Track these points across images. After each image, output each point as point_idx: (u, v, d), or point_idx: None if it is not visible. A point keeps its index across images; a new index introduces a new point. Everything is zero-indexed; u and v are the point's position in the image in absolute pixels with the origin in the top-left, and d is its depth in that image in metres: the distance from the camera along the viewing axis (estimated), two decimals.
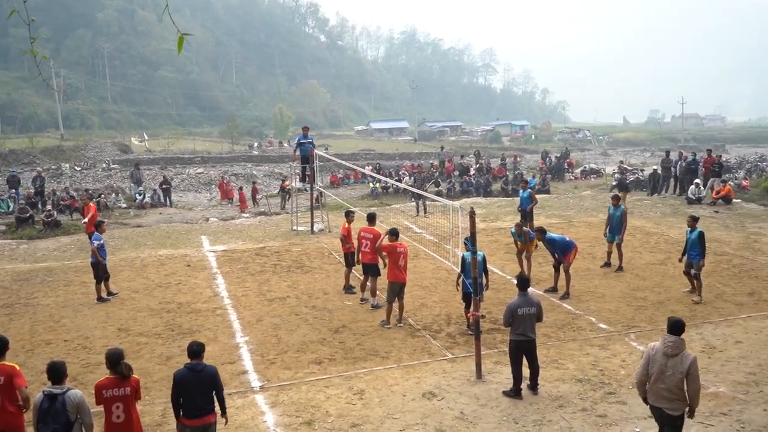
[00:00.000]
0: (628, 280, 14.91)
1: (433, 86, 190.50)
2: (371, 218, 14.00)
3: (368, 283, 13.60)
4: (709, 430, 8.08)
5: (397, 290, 12.15)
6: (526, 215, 19.12)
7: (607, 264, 16.20)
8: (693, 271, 13.29)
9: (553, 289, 14.02)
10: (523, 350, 9.10)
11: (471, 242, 10.01)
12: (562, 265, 13.76)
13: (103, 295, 14.45)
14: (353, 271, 14.61)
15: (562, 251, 13.61)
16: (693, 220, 13.59)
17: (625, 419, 8.37)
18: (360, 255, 13.61)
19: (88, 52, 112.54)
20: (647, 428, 8.07)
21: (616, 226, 15.83)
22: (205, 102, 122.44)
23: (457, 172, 39.58)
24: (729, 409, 8.56)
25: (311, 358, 10.64)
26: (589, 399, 8.95)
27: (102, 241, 14.52)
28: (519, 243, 15.46)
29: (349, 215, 14.94)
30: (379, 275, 13.35)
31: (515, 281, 9.54)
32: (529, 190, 19.51)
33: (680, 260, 13.91)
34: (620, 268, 15.77)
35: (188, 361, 7.05)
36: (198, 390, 6.91)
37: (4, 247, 21.49)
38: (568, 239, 14.02)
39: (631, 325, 11.92)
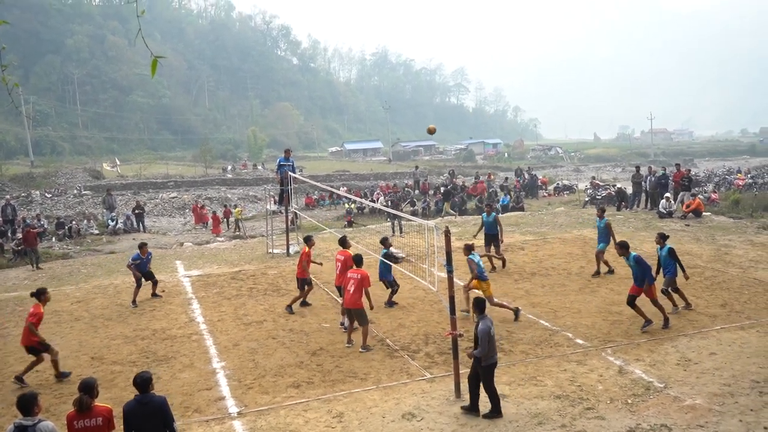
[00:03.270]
0: (604, 294, 15.01)
1: (406, 106, 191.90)
2: (343, 242, 14.00)
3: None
4: None
5: (350, 315, 12.16)
6: (492, 240, 18.04)
7: (603, 271, 16.87)
8: (662, 288, 13.29)
9: (649, 322, 12.51)
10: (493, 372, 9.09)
11: (447, 261, 10.01)
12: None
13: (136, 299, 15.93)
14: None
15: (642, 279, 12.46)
16: (661, 238, 13.68)
17: None
18: (335, 278, 13.68)
19: (57, 78, 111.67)
20: None
21: (601, 236, 16.73)
22: (178, 126, 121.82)
23: (432, 191, 39.77)
24: (706, 420, 8.63)
25: (289, 382, 10.55)
26: (567, 415, 8.97)
27: (138, 260, 16.14)
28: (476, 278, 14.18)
29: (308, 240, 15.08)
30: None
31: (473, 305, 9.40)
32: (494, 214, 18.44)
33: (654, 278, 13.86)
34: (597, 273, 16.61)
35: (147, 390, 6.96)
36: (147, 422, 6.80)
37: None
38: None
39: (608, 339, 11.99)
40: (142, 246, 16.58)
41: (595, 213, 18.06)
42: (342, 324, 13.47)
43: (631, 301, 12.56)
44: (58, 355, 11.21)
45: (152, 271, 16.73)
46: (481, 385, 9.03)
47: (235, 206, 35.19)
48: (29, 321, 11.09)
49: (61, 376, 11.04)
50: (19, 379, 10.97)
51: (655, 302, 12.49)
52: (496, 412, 8.97)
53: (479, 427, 8.75)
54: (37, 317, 11.10)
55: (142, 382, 6.91)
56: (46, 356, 11.16)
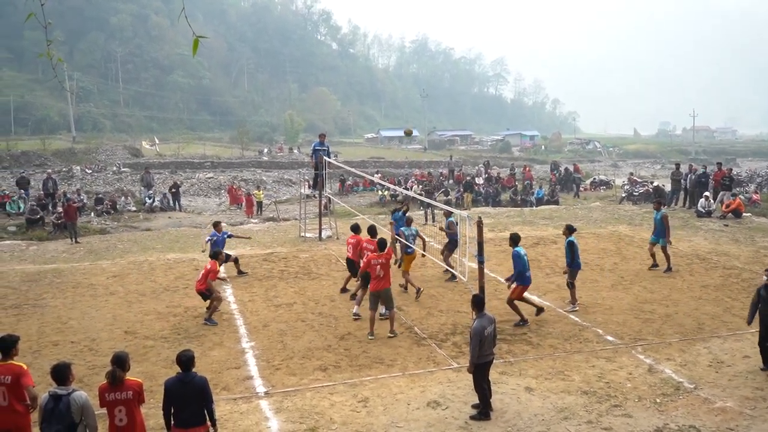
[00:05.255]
0: (636, 292, 14.82)
1: (444, 95, 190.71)
2: (371, 231, 13.88)
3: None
4: None
5: (374, 299, 12.07)
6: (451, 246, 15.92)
7: (655, 266, 16.75)
8: (567, 280, 13.54)
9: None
10: (486, 370, 8.92)
11: (478, 251, 9.98)
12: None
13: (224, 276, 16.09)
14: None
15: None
16: (568, 230, 13.68)
17: None
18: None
19: (101, 55, 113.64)
20: None
21: (659, 229, 16.57)
22: (217, 107, 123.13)
23: (460, 188, 39.08)
24: (736, 424, 8.49)
25: (316, 365, 10.64)
26: (594, 411, 8.90)
27: (214, 238, 16.25)
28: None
29: (356, 230, 14.81)
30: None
31: (471, 302, 9.24)
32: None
33: (564, 272, 14.05)
34: (669, 269, 16.45)
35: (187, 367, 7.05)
36: (187, 401, 6.88)
37: (14, 247, 21.63)
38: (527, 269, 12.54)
39: (638, 337, 11.84)
40: (217, 224, 17.06)
41: (652, 206, 18.25)
42: (355, 314, 13.13)
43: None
44: (220, 303, 13.20)
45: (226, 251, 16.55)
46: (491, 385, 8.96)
47: (258, 187, 35.16)
48: (210, 278, 12.91)
49: (208, 321, 12.69)
50: (208, 320, 12.71)
51: (511, 302, 12.56)
52: (483, 415, 8.73)
53: (504, 418, 8.73)
54: (215, 273, 13.07)
55: (187, 361, 6.97)
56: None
